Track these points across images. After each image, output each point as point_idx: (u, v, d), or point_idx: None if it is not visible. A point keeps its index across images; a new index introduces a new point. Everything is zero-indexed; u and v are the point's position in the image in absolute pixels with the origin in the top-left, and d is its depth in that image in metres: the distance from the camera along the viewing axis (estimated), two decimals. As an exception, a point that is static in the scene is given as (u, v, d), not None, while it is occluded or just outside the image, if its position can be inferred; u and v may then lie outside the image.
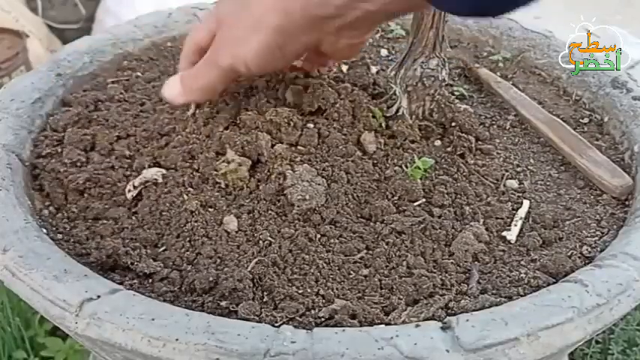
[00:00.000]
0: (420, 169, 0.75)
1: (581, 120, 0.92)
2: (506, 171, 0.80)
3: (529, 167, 0.83)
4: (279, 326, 0.58)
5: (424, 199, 0.73)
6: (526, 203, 0.75)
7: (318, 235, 0.68)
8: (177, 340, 0.54)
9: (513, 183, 0.79)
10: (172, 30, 1.04)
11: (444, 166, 0.78)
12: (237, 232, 0.68)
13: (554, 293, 0.60)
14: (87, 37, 1.01)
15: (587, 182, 0.80)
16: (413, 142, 0.79)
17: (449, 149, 0.81)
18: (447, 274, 0.66)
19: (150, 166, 0.75)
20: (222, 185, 0.71)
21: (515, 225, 0.73)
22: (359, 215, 0.71)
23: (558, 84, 0.98)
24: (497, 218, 0.73)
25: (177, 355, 0.54)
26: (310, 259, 0.65)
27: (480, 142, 0.83)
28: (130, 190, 0.72)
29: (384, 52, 1.08)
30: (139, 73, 0.96)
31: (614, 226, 0.73)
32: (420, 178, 0.75)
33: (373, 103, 0.81)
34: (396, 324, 0.60)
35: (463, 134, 0.82)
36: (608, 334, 1.09)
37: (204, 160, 0.72)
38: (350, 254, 0.67)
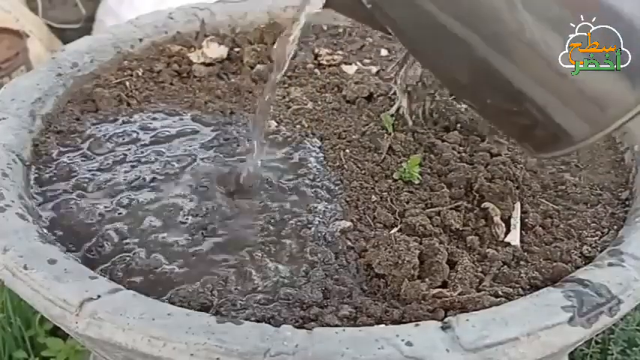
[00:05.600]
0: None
1: (581, 120, 0.92)
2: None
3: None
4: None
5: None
6: (517, 205, 0.75)
7: None
8: (177, 339, 0.54)
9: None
10: (172, 30, 1.05)
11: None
12: None
13: (554, 293, 0.60)
14: (87, 37, 1.01)
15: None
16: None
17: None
18: None
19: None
20: None
21: (514, 227, 0.73)
22: None
23: (558, 84, 0.98)
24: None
25: (178, 355, 0.54)
26: None
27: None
28: None
29: (384, 52, 1.08)
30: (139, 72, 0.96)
31: (614, 226, 0.73)
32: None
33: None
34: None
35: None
36: (608, 334, 1.09)
37: None
38: None
